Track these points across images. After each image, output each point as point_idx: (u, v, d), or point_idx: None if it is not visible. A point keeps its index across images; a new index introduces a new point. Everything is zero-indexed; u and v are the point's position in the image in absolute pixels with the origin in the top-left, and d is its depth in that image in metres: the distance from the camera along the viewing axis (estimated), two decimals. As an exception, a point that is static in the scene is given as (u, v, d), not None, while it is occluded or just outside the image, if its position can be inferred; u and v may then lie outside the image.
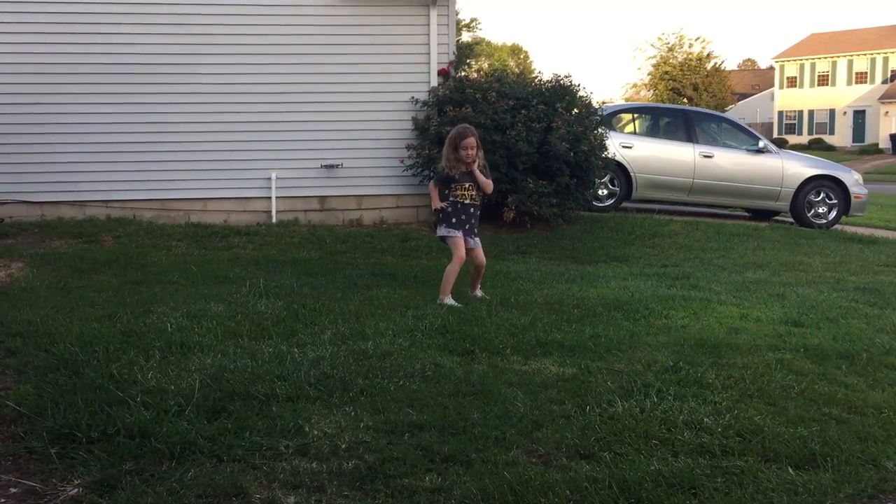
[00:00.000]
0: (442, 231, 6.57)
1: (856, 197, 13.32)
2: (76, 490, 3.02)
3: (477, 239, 6.62)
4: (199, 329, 5.09)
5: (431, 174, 10.97)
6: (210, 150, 10.95)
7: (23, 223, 10.18)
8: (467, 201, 6.49)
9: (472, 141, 6.36)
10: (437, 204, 6.52)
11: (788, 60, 61.07)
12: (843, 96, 57.45)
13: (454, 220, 6.49)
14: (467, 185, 6.46)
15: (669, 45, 58.96)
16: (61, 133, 10.58)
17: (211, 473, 3.14)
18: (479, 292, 6.71)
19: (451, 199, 6.49)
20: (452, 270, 6.42)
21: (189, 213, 10.91)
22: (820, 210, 13.23)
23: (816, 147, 50.40)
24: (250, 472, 3.19)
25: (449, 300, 6.31)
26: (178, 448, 3.29)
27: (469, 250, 6.52)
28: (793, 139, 54.62)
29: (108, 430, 3.42)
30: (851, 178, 13.47)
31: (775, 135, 56.08)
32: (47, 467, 3.18)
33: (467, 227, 6.52)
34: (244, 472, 3.18)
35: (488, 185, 6.55)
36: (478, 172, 6.45)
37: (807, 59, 59.84)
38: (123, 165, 10.75)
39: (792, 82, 60.63)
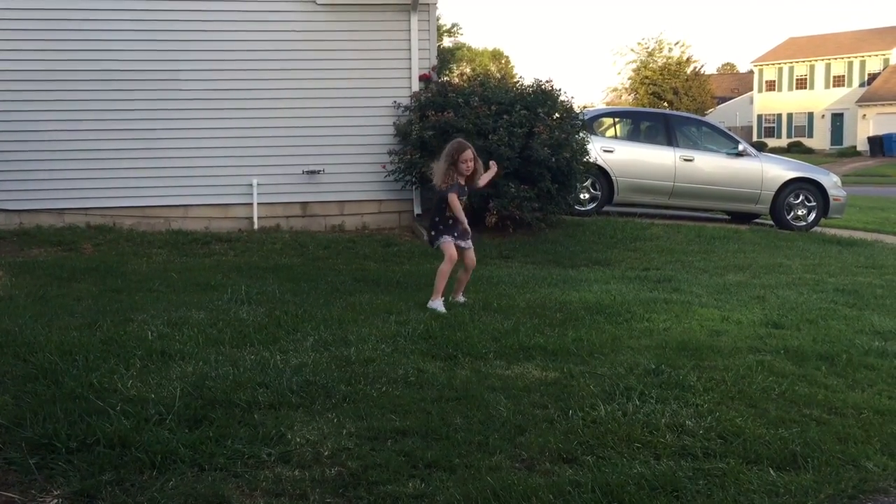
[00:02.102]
0: (439, 240, 6.51)
1: (835, 199, 13.44)
2: (56, 501, 2.99)
3: (469, 240, 6.65)
4: (180, 337, 5.06)
5: (413, 179, 10.99)
6: (191, 157, 10.89)
7: (0, 232, 10.07)
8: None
9: (469, 153, 6.40)
10: (463, 218, 6.41)
11: (767, 64, 61.59)
12: (821, 100, 57.99)
13: (442, 227, 6.50)
14: (462, 200, 6.52)
15: (649, 50, 59.28)
16: (39, 140, 10.49)
17: (192, 482, 3.12)
18: (461, 297, 6.71)
19: (447, 213, 6.45)
20: (445, 270, 6.39)
21: (170, 219, 10.85)
22: (799, 212, 13.33)
23: (795, 150, 50.81)
24: (232, 480, 3.17)
25: (439, 304, 6.26)
26: (159, 457, 3.26)
27: (463, 251, 6.56)
28: (772, 142, 55.05)
29: (88, 439, 3.39)
30: (830, 181, 13.58)
31: (755, 138, 56.47)
32: (26, 478, 3.15)
33: (455, 233, 6.50)
34: (226, 481, 3.16)
35: (489, 174, 6.72)
36: (482, 178, 6.61)
37: (785, 63, 60.38)
38: (103, 173, 10.66)
39: (771, 86, 61.15)
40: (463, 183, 6.47)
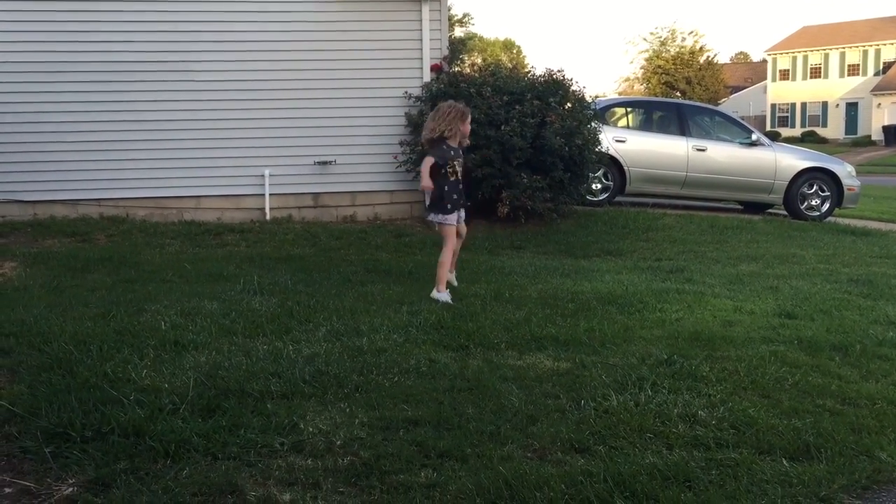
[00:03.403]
0: (437, 217, 6.36)
1: (849, 189, 13.34)
2: (71, 489, 3.01)
3: (463, 212, 6.53)
4: (193, 327, 5.08)
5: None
6: (203, 148, 10.91)
7: (15, 223, 10.14)
8: (459, 176, 6.38)
9: (470, 115, 6.49)
10: (426, 182, 6.22)
11: (781, 53, 61.12)
12: (835, 89, 57.52)
13: (450, 206, 6.32)
14: (460, 161, 6.39)
15: (662, 39, 58.97)
16: (53, 132, 10.53)
17: (206, 471, 3.14)
18: (453, 274, 6.67)
19: (451, 177, 6.28)
20: (446, 260, 6.33)
21: (182, 210, 10.89)
22: (813, 202, 13.25)
23: (809, 140, 50.48)
24: (245, 469, 3.19)
25: (445, 295, 6.22)
26: (173, 446, 3.28)
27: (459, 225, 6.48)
28: (786, 132, 54.68)
29: (103, 428, 3.41)
30: (844, 171, 13.49)
31: (768, 127, 56.12)
32: (42, 467, 3.17)
33: (459, 206, 6.41)
34: (239, 470, 3.17)
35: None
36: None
37: (799, 52, 59.90)
38: (116, 164, 10.70)
39: (784, 75, 60.70)
40: (458, 144, 6.37)
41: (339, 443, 3.44)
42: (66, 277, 7.16)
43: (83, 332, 4.84)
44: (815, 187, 13.25)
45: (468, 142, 6.60)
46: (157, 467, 3.17)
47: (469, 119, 6.44)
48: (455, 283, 6.68)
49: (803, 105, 59.08)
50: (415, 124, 11.01)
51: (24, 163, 10.49)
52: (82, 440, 3.34)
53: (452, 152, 6.33)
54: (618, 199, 12.93)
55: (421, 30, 11.22)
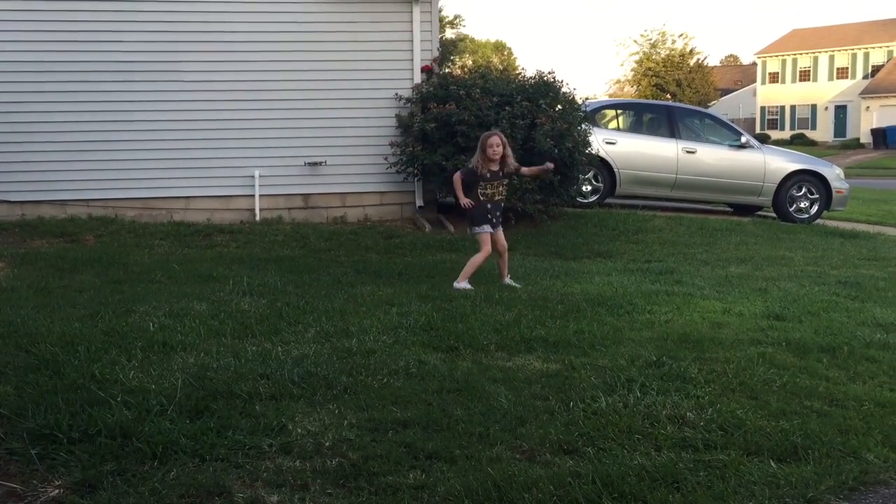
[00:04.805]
0: (475, 230, 7.16)
1: (837, 192, 13.40)
2: (57, 491, 3.00)
3: (499, 227, 7.27)
4: (181, 328, 5.06)
5: (415, 171, 10.98)
6: (192, 149, 10.88)
7: (2, 223, 10.09)
8: (497, 198, 7.09)
9: (496, 139, 7.00)
10: (462, 199, 7.01)
11: (770, 56, 61.37)
12: (824, 91, 57.78)
13: (484, 218, 7.08)
14: (496, 184, 7.05)
15: (652, 42, 59.11)
16: (41, 132, 10.49)
17: (193, 473, 3.13)
18: (507, 279, 7.23)
19: (481, 198, 7.03)
20: (477, 261, 7.07)
21: (172, 211, 10.85)
22: (802, 205, 13.31)
23: (798, 142, 50.69)
24: (233, 471, 3.18)
25: (465, 284, 6.89)
26: (160, 448, 3.27)
27: (493, 236, 7.16)
28: (775, 134, 54.85)
29: (90, 430, 3.39)
30: (833, 173, 13.55)
31: (758, 130, 56.30)
32: (28, 468, 3.15)
33: (494, 220, 7.14)
34: (227, 472, 3.16)
35: (535, 170, 7.43)
36: (529, 169, 7.40)
37: (789, 55, 60.13)
38: (105, 164, 10.67)
39: (774, 78, 60.94)
40: (495, 169, 6.99)
41: (327, 444, 3.43)
42: (53, 278, 7.12)
43: (71, 333, 4.81)
44: (803, 190, 13.31)
45: (511, 160, 7.11)
46: (145, 469, 3.15)
47: (490, 140, 6.94)
48: (516, 285, 7.14)
49: (792, 108, 59.32)
50: (405, 125, 11.01)
51: (11, 163, 10.44)
52: (69, 441, 3.32)
53: (489, 174, 7.00)
54: (608, 200, 12.95)
55: (412, 31, 11.23)
